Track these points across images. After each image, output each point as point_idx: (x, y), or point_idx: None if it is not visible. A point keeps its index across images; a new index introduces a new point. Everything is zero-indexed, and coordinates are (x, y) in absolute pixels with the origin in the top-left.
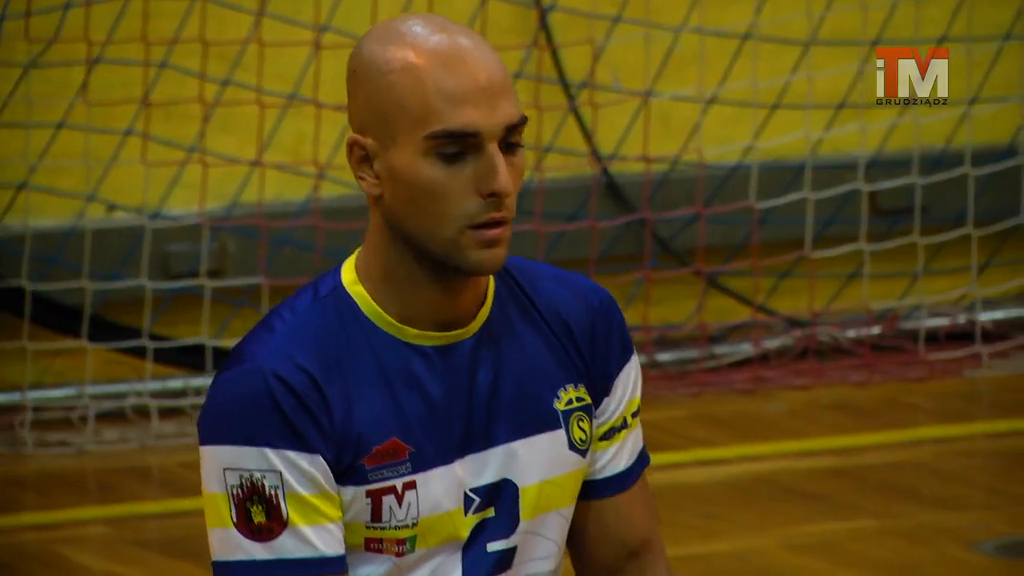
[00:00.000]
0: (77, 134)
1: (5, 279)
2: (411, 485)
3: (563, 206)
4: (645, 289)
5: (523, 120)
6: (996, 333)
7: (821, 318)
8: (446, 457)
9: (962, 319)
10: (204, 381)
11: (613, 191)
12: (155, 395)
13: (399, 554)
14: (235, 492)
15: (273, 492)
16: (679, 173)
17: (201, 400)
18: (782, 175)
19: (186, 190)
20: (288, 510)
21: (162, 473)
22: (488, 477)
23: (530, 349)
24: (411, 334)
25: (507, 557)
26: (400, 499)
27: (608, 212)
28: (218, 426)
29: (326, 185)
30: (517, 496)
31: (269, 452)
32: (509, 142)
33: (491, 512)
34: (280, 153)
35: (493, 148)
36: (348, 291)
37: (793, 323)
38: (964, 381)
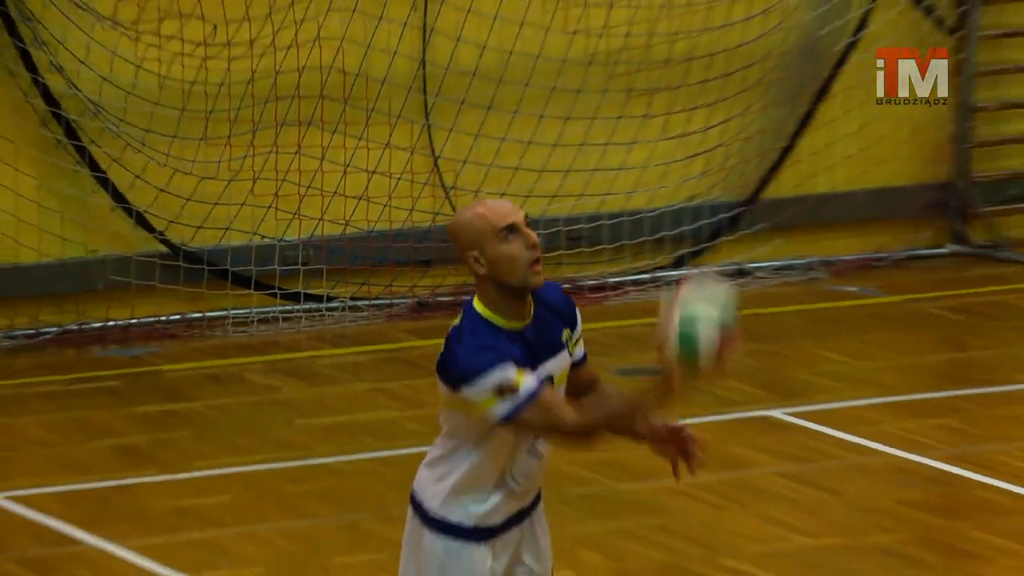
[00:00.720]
0: (248, 208)
1: (218, 266)
2: None
3: (441, 238)
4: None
5: (528, 215)
6: (618, 288)
7: None
8: (534, 367)
9: (603, 282)
10: (301, 306)
11: None
12: (281, 312)
13: None
14: (495, 384)
15: (508, 377)
16: None
17: (291, 311)
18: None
19: (292, 229)
20: (517, 380)
21: (285, 343)
22: (546, 373)
23: (548, 320)
24: (510, 326)
25: None
26: None
27: None
28: (473, 367)
29: (349, 229)
30: (552, 380)
31: (501, 367)
32: (527, 224)
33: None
34: (331, 214)
35: (524, 228)
36: (481, 313)
37: None
38: (604, 306)
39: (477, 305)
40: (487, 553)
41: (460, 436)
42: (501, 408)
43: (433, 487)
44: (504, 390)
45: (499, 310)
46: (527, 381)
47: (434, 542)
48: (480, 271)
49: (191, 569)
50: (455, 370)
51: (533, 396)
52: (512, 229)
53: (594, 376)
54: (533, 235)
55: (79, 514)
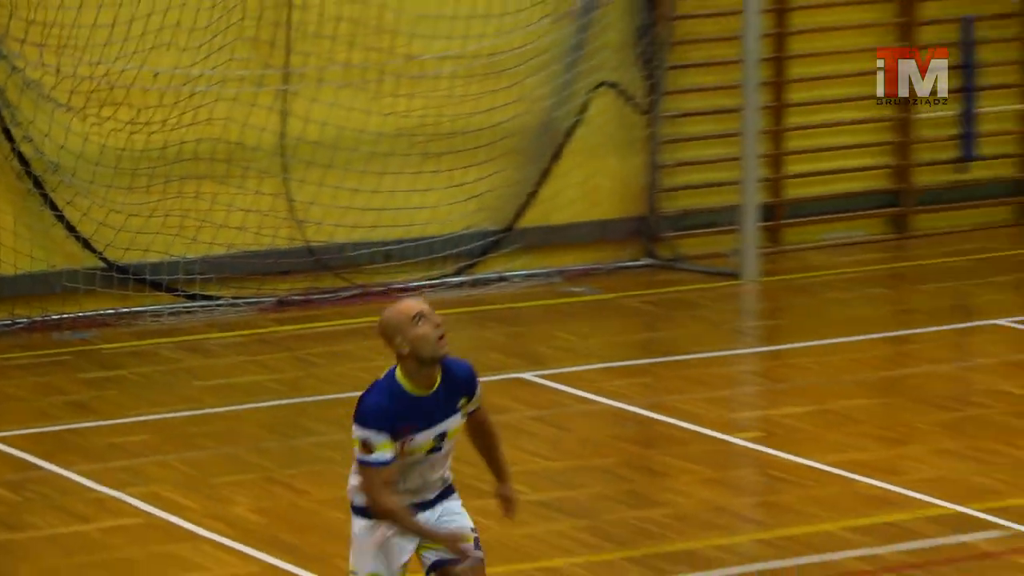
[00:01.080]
0: (161, 236)
1: (140, 275)
2: (411, 440)
3: (296, 255)
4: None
5: (430, 306)
6: (418, 288)
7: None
8: (427, 428)
9: (407, 284)
10: (197, 303)
11: (311, 252)
12: (183, 308)
13: (410, 455)
14: (366, 440)
15: (372, 442)
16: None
17: (191, 307)
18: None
19: (192, 250)
20: (377, 448)
21: (186, 329)
22: (439, 431)
23: (450, 391)
24: (418, 393)
25: (441, 450)
26: (409, 442)
27: (306, 258)
28: (361, 420)
29: (231, 249)
30: (446, 435)
31: (375, 433)
32: (431, 312)
33: (441, 440)
34: (219, 239)
35: (431, 315)
36: (398, 380)
37: (365, 286)
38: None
39: (398, 374)
40: (391, 530)
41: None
42: (358, 454)
43: (353, 486)
44: (366, 446)
45: (413, 380)
46: (383, 454)
47: (356, 522)
48: (404, 351)
49: (119, 486)
50: (357, 410)
51: (374, 465)
52: (420, 315)
53: (485, 419)
54: (436, 317)
55: (41, 449)
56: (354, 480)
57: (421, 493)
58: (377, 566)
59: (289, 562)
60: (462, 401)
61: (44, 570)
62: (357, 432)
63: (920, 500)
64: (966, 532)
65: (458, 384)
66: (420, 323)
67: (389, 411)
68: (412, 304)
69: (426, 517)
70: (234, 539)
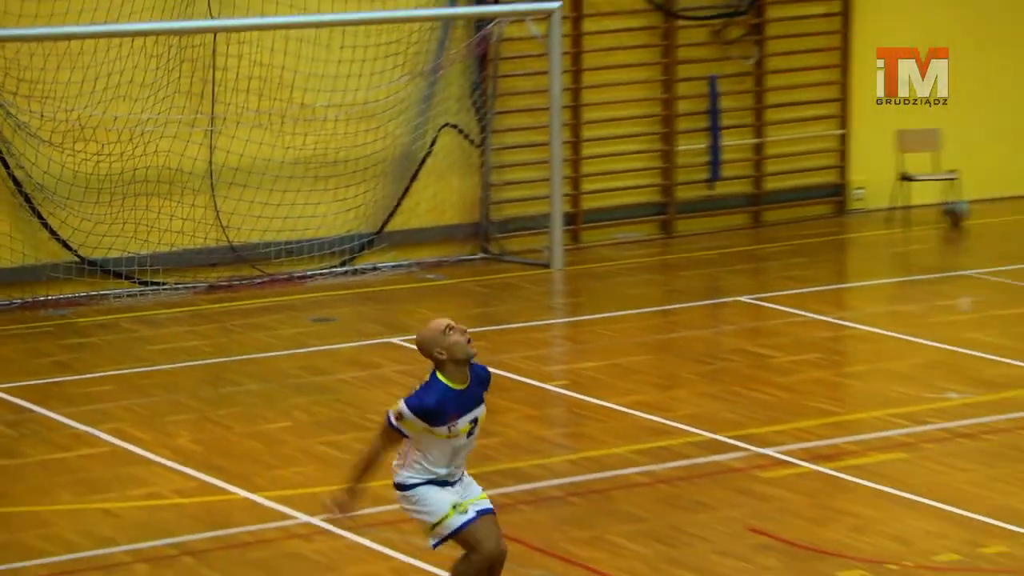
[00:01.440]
0: (120, 238)
1: (106, 268)
2: (455, 424)
3: (222, 252)
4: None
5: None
6: (312, 276)
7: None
8: (465, 414)
9: (304, 273)
10: (148, 288)
11: (233, 249)
12: (138, 291)
13: (456, 437)
14: (401, 412)
15: (406, 419)
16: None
17: (144, 291)
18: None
19: (144, 248)
20: (406, 424)
21: (140, 307)
22: (472, 416)
23: (476, 386)
24: (457, 387)
25: (474, 433)
26: (454, 427)
27: (229, 254)
28: (413, 403)
29: (173, 248)
30: (478, 420)
31: (412, 416)
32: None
33: (474, 425)
34: (164, 240)
35: (456, 324)
36: (442, 380)
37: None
38: (305, 286)
39: (439, 374)
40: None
41: (413, 445)
42: (391, 416)
43: (399, 472)
44: (402, 418)
45: (452, 378)
46: (405, 429)
47: (402, 496)
48: (442, 357)
49: (91, 423)
50: (414, 398)
51: (394, 430)
52: (450, 328)
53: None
54: (462, 326)
55: (32, 397)
56: (398, 461)
57: (460, 471)
58: (450, 500)
59: (219, 479)
60: (484, 394)
61: (35, 487)
62: (403, 407)
63: (685, 430)
64: (719, 453)
65: (482, 379)
66: (451, 333)
67: (438, 410)
68: (440, 321)
69: (455, 489)
70: (178, 462)
